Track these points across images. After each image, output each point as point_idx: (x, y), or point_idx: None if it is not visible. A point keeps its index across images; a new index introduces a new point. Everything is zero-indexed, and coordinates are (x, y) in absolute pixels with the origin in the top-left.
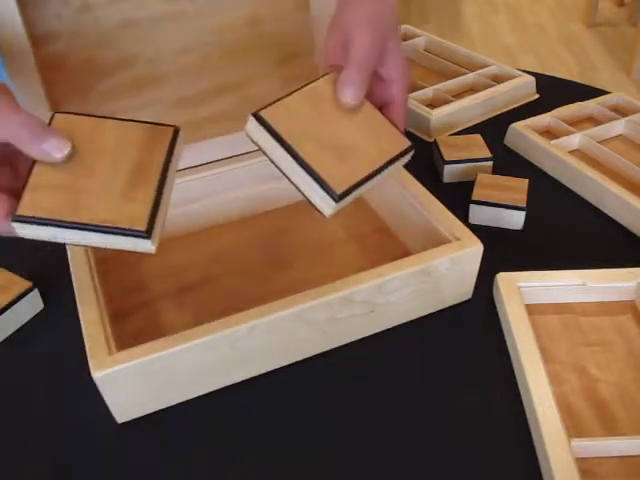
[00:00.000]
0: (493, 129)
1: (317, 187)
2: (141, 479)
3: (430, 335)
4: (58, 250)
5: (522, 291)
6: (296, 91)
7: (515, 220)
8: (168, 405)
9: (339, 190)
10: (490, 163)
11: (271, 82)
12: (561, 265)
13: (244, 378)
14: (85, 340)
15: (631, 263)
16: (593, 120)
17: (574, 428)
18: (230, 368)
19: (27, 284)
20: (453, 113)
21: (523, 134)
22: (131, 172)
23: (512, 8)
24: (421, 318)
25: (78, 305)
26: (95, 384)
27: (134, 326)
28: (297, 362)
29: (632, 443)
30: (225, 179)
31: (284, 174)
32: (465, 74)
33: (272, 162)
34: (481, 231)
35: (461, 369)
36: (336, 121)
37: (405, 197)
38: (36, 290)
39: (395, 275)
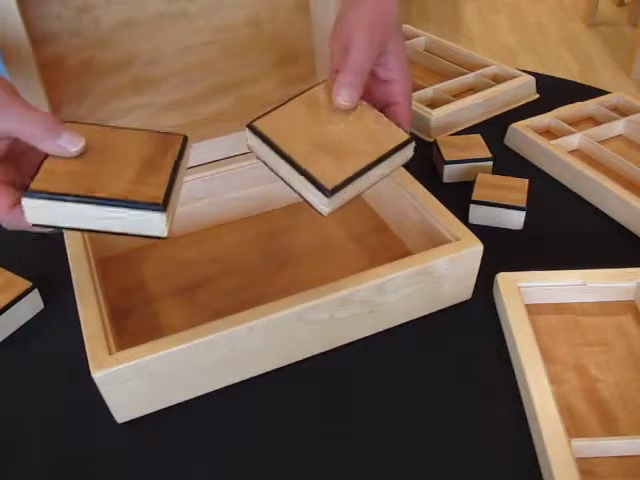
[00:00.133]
0: (493, 129)
1: (311, 186)
2: (141, 479)
3: (430, 335)
4: (58, 250)
5: (522, 291)
6: (294, 98)
7: (515, 220)
8: (168, 405)
9: (330, 185)
10: (490, 163)
11: (270, 82)
12: (561, 265)
13: (244, 378)
14: (85, 340)
15: (631, 263)
16: (593, 120)
17: (574, 428)
18: (230, 368)
19: (27, 284)
20: (453, 113)
21: (523, 134)
22: (143, 166)
23: (512, 8)
24: (421, 318)
25: (78, 305)
26: (95, 384)
27: (134, 326)
28: (297, 362)
29: (632, 443)
30: (225, 179)
31: (283, 180)
32: (465, 74)
33: (272, 170)
34: (481, 231)
35: (461, 369)
36: (331, 123)
37: (405, 197)
38: (36, 290)
39: (395, 275)
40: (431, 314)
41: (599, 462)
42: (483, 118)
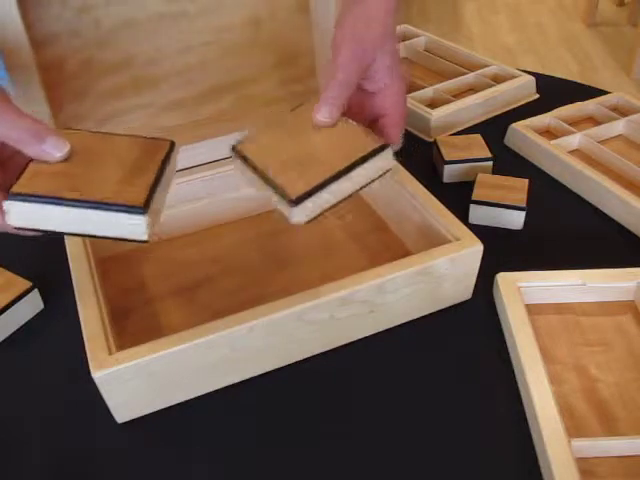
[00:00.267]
0: (493, 129)
1: (280, 198)
2: (141, 479)
3: (430, 335)
4: (58, 250)
5: (522, 291)
6: (282, 117)
7: (515, 220)
8: (168, 405)
9: (294, 195)
10: (490, 163)
11: (271, 82)
12: (561, 265)
13: (244, 378)
14: (85, 340)
15: (631, 263)
16: (593, 120)
17: (574, 428)
18: (230, 368)
19: (27, 284)
20: (453, 113)
21: (523, 134)
22: (129, 169)
23: (512, 8)
24: (421, 318)
25: (78, 305)
26: (95, 384)
27: (134, 326)
28: (297, 362)
29: (632, 443)
30: (225, 179)
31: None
32: (465, 74)
33: (255, 188)
34: (481, 231)
35: (461, 369)
36: (309, 140)
37: (405, 197)
38: (36, 290)
39: (395, 275)
40: (431, 314)
41: (599, 462)
42: (483, 118)
